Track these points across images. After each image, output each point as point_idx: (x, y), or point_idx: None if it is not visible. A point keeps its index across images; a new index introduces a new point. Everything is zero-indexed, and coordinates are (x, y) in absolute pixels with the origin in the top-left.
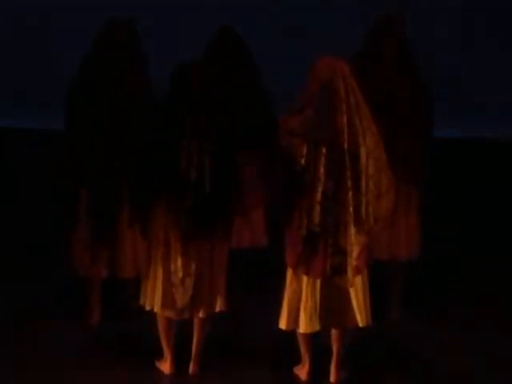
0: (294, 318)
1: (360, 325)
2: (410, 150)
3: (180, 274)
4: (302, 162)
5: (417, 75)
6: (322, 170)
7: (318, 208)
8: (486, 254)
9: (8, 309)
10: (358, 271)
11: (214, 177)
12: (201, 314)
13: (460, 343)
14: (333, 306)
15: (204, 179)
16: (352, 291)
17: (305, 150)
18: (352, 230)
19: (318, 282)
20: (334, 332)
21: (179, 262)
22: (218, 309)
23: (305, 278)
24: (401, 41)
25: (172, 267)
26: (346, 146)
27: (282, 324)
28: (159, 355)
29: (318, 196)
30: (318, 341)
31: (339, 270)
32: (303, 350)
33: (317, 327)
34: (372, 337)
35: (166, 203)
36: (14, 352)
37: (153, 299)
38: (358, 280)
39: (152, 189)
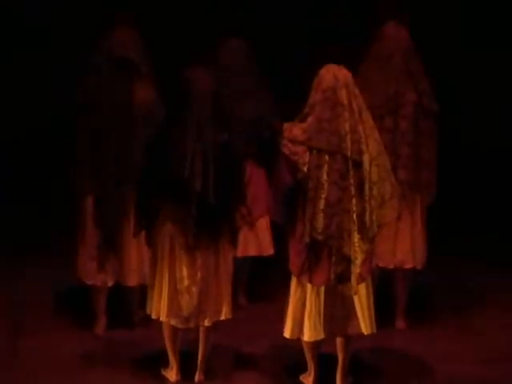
0: (299, 327)
1: (364, 332)
2: (417, 156)
3: (186, 282)
4: (305, 169)
5: (422, 80)
6: (325, 177)
7: (321, 215)
8: (489, 261)
9: (11, 316)
10: (361, 279)
11: (219, 186)
12: (206, 323)
13: (464, 351)
14: (337, 313)
15: (208, 189)
16: (356, 299)
17: (308, 158)
18: (356, 237)
19: (322, 290)
20: (339, 340)
21: (185, 271)
22: (223, 317)
23: (309, 286)
24: (407, 45)
25: (178, 275)
26: (348, 153)
27: (287, 333)
28: (165, 363)
29: (322, 203)
30: (323, 349)
31: (343, 277)
32: (309, 358)
33: (321, 335)
34: (378, 344)
35: (172, 212)
36: (18, 359)
37: (159, 308)
38: (362, 287)
39: (157, 198)
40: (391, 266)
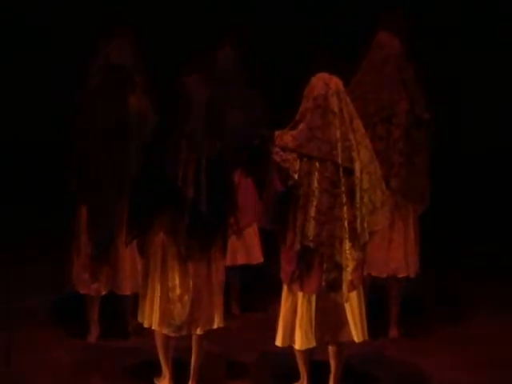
0: (290, 335)
1: (356, 340)
2: (410, 164)
3: (178, 291)
4: (296, 177)
5: (414, 88)
6: (315, 184)
7: (312, 223)
8: (483, 269)
9: (5, 324)
10: (353, 286)
11: (211, 194)
12: (198, 331)
13: (457, 359)
14: (328, 321)
15: (201, 197)
16: (347, 307)
17: (298, 166)
18: (347, 244)
19: (314, 297)
20: (331, 348)
21: (177, 279)
22: (215, 326)
23: (300, 294)
24: (399, 54)
25: (170, 284)
26: (339, 160)
27: (278, 341)
28: (158, 372)
29: (312, 211)
30: (317, 357)
31: (335, 285)
32: (301, 366)
33: (313, 343)
34: (371, 353)
35: (164, 221)
36: (13, 368)
37: (151, 317)
38: (354, 295)
39: (150, 206)
40: (384, 275)
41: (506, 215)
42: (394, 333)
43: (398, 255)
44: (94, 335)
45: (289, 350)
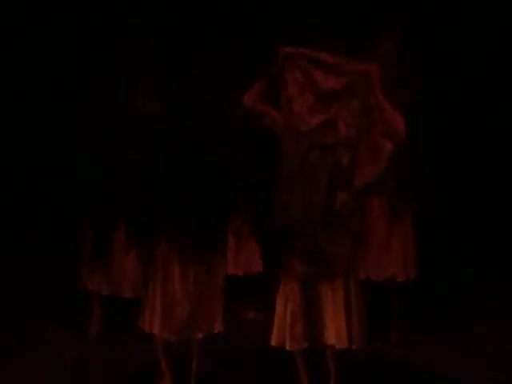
0: (282, 336)
1: (335, 345)
2: (409, 166)
3: (178, 295)
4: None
5: (416, 90)
6: (297, 167)
7: (294, 206)
8: (486, 272)
9: (7, 322)
10: (333, 277)
11: (213, 197)
12: (199, 335)
13: (459, 360)
14: (317, 323)
15: (204, 200)
16: (333, 309)
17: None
18: (325, 235)
19: (304, 298)
20: (328, 350)
21: (177, 284)
22: (215, 329)
23: (292, 296)
24: (400, 54)
25: (170, 288)
26: (323, 141)
27: (273, 340)
28: (159, 376)
29: (294, 197)
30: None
31: (319, 277)
32: (300, 367)
33: (303, 344)
34: (371, 355)
35: (165, 226)
36: (14, 366)
37: (151, 321)
38: (340, 299)
39: (152, 212)
40: (383, 279)
41: (507, 214)
42: (394, 335)
43: (396, 259)
44: (95, 335)
45: (290, 351)
